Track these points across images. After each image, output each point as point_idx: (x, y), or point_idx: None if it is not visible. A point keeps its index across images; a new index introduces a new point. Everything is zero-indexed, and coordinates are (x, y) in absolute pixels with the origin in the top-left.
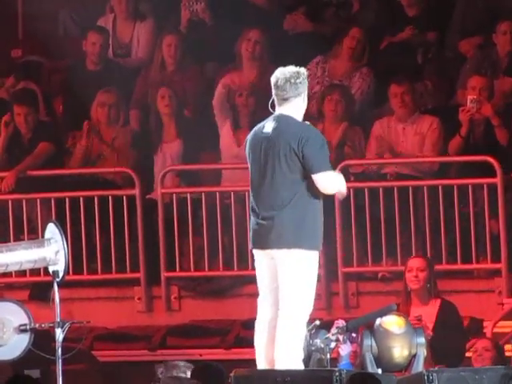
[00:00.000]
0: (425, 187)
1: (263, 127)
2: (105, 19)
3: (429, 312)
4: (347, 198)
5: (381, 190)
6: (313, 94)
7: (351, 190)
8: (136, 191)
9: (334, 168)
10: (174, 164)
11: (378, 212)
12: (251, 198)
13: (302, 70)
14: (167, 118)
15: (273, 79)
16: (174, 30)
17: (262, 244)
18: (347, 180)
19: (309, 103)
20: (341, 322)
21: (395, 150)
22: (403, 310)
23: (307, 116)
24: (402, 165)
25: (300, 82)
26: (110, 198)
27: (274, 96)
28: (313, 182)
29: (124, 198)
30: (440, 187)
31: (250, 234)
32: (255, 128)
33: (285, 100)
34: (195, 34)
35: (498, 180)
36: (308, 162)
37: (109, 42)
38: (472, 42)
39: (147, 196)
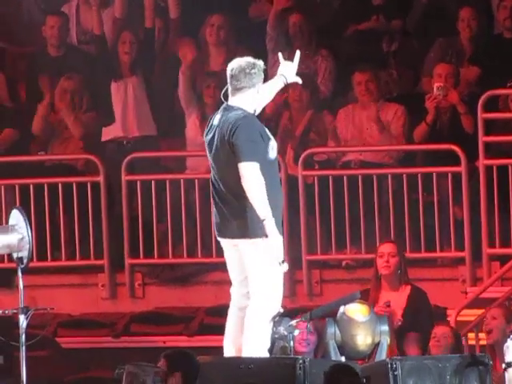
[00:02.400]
0: (389, 175)
1: (213, 119)
2: (68, 6)
3: (399, 298)
4: (311, 185)
5: (345, 177)
6: None
7: (315, 178)
8: (100, 178)
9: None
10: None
11: (342, 200)
12: (211, 187)
13: (259, 62)
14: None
15: (228, 69)
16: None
17: (225, 233)
18: (312, 168)
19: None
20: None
21: (360, 137)
22: (373, 296)
23: (274, 104)
24: (367, 152)
25: (255, 73)
26: (74, 184)
27: (228, 85)
28: (262, 169)
29: (88, 184)
30: (404, 175)
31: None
32: (209, 120)
33: (238, 90)
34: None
35: (462, 168)
36: (235, 150)
37: (68, 26)
38: (436, 29)
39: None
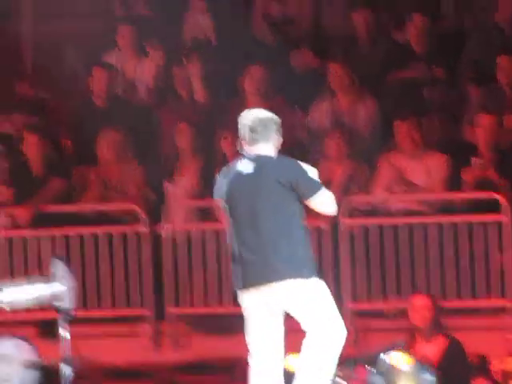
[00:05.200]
0: (431, 224)
1: (241, 168)
2: (110, 55)
3: (433, 349)
4: (353, 233)
5: (387, 225)
6: (321, 130)
7: (359, 227)
8: (143, 228)
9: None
10: (186, 199)
11: (385, 248)
12: (235, 238)
13: (275, 115)
14: (185, 152)
15: (247, 122)
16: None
17: (260, 281)
18: (353, 216)
19: (316, 139)
20: None
21: (402, 185)
22: (409, 348)
23: (314, 154)
24: (410, 201)
25: (276, 128)
26: (117, 234)
27: (246, 138)
28: (301, 212)
29: (132, 234)
30: (446, 224)
31: (235, 277)
32: (228, 171)
33: (260, 143)
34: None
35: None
36: (301, 188)
37: (115, 78)
38: (478, 77)
39: (161, 231)
